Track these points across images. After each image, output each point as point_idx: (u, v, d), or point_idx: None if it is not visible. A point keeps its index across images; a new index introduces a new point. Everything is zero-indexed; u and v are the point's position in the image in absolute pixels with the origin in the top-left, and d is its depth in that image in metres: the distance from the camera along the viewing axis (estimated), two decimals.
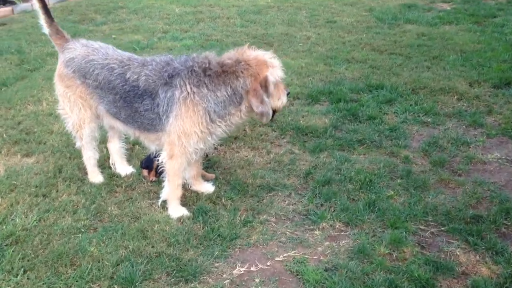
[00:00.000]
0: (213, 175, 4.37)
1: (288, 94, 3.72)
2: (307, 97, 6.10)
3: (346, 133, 5.20)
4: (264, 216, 3.85)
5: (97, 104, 3.88)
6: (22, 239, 3.48)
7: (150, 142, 3.87)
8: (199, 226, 3.68)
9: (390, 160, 4.66)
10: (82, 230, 3.61)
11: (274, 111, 3.71)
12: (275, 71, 3.53)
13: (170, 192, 3.80)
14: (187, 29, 9.61)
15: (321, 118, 5.53)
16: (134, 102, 3.64)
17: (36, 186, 4.13)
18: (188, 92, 3.45)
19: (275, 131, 5.24)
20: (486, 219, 3.73)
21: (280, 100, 3.65)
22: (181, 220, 3.75)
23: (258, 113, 3.52)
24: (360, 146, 4.96)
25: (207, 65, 3.49)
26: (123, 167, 4.40)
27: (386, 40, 8.59)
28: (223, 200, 4.02)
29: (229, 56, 3.56)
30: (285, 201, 4.06)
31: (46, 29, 4.01)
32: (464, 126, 5.35)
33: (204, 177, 4.32)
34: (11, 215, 3.74)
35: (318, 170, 4.49)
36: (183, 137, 3.54)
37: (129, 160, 4.58)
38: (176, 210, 3.82)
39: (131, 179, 4.32)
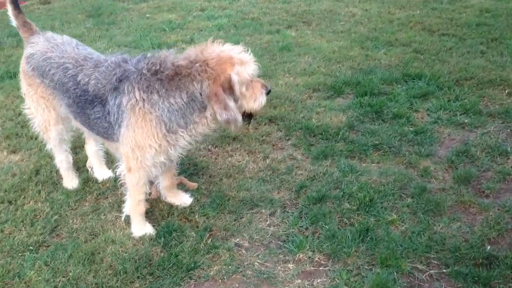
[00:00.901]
0: (195, 185, 3.91)
1: (268, 92, 3.14)
2: (329, 89, 5.41)
3: (362, 135, 4.51)
4: (237, 240, 3.36)
5: (59, 105, 3.52)
6: None
7: (114, 150, 3.47)
8: (157, 250, 3.26)
9: (405, 172, 3.95)
10: (31, 248, 3.31)
11: (250, 115, 3.17)
12: (244, 69, 2.97)
13: (132, 208, 3.40)
14: (226, 6, 9.09)
15: (338, 115, 4.85)
16: (86, 108, 3.23)
17: (5, 191, 3.90)
18: (136, 99, 2.98)
19: (281, 131, 4.65)
20: (502, 262, 3.00)
21: (256, 101, 3.09)
22: (142, 240, 3.34)
23: (223, 121, 2.99)
24: (375, 152, 4.27)
25: (158, 67, 2.98)
26: (101, 171, 4.06)
27: (442, 18, 7.58)
28: (196, 217, 3.56)
29: (187, 55, 3.04)
30: (266, 220, 3.53)
31: (13, 21, 3.68)
32: (508, 130, 4.46)
33: (185, 186, 3.88)
34: None
35: (315, 182, 3.89)
36: (137, 150, 3.09)
37: (112, 162, 4.22)
38: (139, 228, 3.42)
39: (107, 185, 3.97)
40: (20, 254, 3.25)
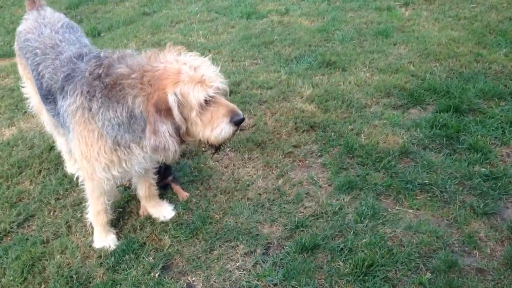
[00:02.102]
0: (186, 195, 3.44)
1: (237, 122, 2.47)
2: (406, 96, 4.40)
3: (415, 166, 3.56)
4: (192, 279, 2.85)
5: None
6: None
7: None
8: (101, 272, 2.90)
9: (444, 232, 3.01)
10: None
11: (215, 146, 2.56)
12: (194, 89, 2.36)
13: (92, 216, 3.07)
14: None
15: (398, 133, 3.90)
16: (45, 104, 2.92)
17: (11, 165, 3.85)
18: (77, 105, 2.56)
19: (317, 143, 3.90)
20: None
21: (214, 131, 2.46)
22: (96, 253, 3.02)
23: (150, 147, 2.46)
24: (419, 194, 3.33)
25: (101, 71, 2.50)
26: None
27: None
28: (166, 237, 3.12)
29: (135, 61, 2.50)
30: (237, 260, 2.95)
31: None
32: None
33: (177, 194, 3.45)
34: None
35: (319, 222, 3.15)
36: (85, 161, 2.71)
37: None
38: (99, 239, 3.10)
39: None
40: None
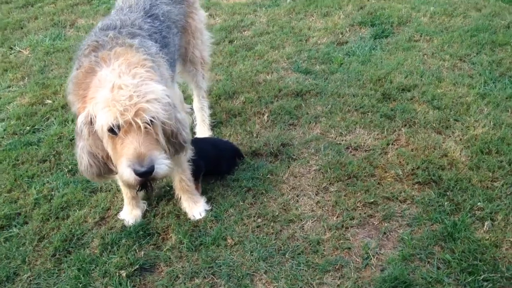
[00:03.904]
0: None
1: (137, 174, 2.07)
2: None
3: None
4: None
5: None
6: None
7: None
8: (94, 244, 2.89)
9: None
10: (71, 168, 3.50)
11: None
12: (99, 111, 2.02)
13: (122, 188, 3.06)
14: None
15: None
16: None
17: None
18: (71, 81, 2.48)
19: (418, 207, 2.85)
20: None
21: (118, 167, 2.14)
22: (113, 224, 3.03)
23: None
24: None
25: (86, 52, 2.33)
26: (200, 129, 3.69)
27: None
28: (173, 239, 2.88)
29: (102, 55, 2.21)
30: None
31: None
32: None
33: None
34: None
35: None
36: None
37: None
38: (124, 210, 3.08)
39: None
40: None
